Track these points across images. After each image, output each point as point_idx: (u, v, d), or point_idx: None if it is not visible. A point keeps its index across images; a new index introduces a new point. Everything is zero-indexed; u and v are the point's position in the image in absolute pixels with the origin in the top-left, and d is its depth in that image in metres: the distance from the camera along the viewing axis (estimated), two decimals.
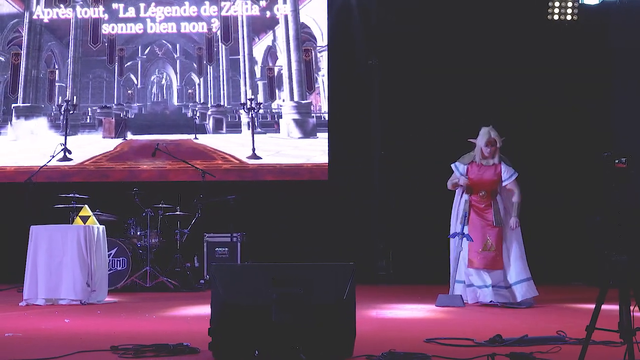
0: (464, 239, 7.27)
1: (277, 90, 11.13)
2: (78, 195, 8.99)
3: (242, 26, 11.14)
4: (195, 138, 11.07)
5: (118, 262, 8.87)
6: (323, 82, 11.02)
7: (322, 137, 10.92)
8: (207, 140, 11.06)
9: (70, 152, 10.00)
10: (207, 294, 4.83)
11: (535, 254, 7.84)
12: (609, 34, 10.42)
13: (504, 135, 7.50)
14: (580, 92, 10.45)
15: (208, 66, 11.19)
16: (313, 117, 11.02)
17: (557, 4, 10.22)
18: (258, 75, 11.17)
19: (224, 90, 11.12)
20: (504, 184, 7.36)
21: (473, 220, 7.37)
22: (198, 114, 11.15)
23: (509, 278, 7.24)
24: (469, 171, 7.46)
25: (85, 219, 7.83)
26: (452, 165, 7.56)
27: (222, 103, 11.11)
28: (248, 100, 11.00)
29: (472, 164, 7.47)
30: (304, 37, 11.13)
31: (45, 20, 11.19)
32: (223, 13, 11.12)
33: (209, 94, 11.15)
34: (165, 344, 4.37)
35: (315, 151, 10.88)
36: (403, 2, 10.65)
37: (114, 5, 11.18)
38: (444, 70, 10.38)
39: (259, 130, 11.00)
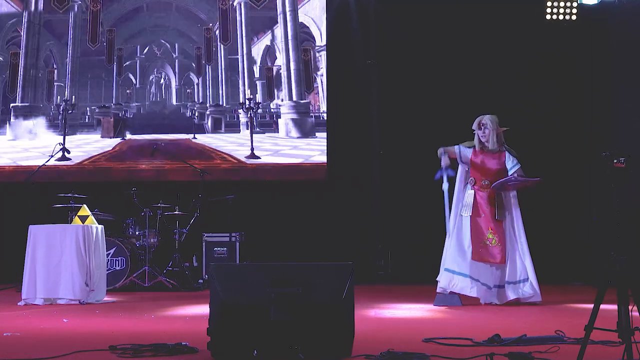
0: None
1: (275, 90, 11.13)
2: (76, 195, 8.97)
3: (241, 26, 11.14)
4: (194, 138, 11.07)
5: (117, 261, 8.86)
6: (322, 82, 11.01)
7: (321, 137, 10.91)
8: (206, 139, 11.06)
9: (68, 152, 9.98)
10: (205, 294, 4.82)
11: (534, 253, 7.83)
12: (608, 34, 10.42)
13: (507, 126, 7.40)
14: (580, 92, 10.45)
15: (207, 66, 11.18)
16: (312, 116, 11.02)
17: (555, 3, 10.23)
18: (257, 75, 11.17)
19: (222, 90, 11.12)
20: (510, 172, 7.21)
21: (476, 212, 7.22)
22: (197, 114, 11.15)
23: (507, 277, 7.18)
24: (473, 157, 7.32)
25: (83, 218, 7.81)
26: (456, 147, 7.37)
27: (220, 103, 11.10)
28: (247, 100, 10.99)
29: (477, 152, 7.32)
30: (302, 36, 11.12)
31: (44, 20, 11.18)
32: (222, 13, 11.11)
33: (208, 94, 11.15)
34: (163, 343, 4.37)
35: (313, 151, 10.88)
36: (401, 2, 10.66)
37: (113, 5, 11.18)
38: (442, 70, 10.39)
39: (258, 130, 10.99)
